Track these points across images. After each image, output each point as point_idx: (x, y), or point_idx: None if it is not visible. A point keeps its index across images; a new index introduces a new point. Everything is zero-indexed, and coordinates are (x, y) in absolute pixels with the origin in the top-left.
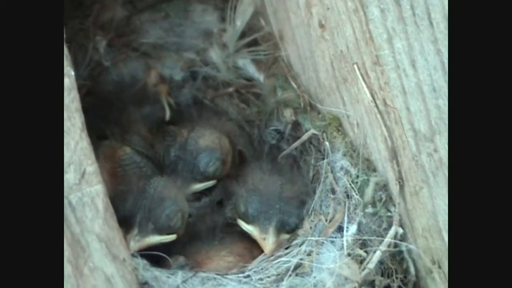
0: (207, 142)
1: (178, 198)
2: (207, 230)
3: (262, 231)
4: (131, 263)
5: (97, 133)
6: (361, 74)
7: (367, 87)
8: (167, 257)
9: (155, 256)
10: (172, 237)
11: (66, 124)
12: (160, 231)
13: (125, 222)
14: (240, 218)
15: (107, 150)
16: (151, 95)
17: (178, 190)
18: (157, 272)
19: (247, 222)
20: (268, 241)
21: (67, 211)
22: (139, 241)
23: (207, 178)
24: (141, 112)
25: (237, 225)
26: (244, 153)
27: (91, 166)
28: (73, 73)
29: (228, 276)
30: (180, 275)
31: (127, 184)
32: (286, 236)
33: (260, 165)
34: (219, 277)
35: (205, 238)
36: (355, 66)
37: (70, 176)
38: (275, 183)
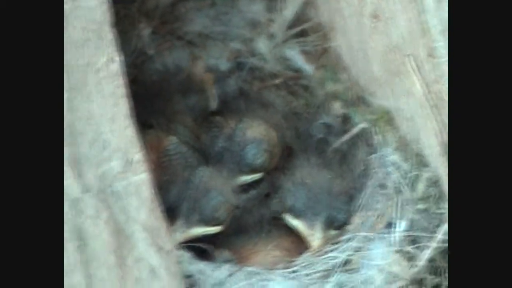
0: (255, 134)
1: (224, 189)
2: (253, 223)
3: (309, 227)
4: (176, 255)
5: (141, 122)
6: (415, 67)
7: (421, 80)
8: (212, 250)
9: (200, 249)
10: (217, 228)
11: (113, 110)
12: (205, 222)
13: (170, 213)
14: (287, 212)
15: (152, 139)
16: (197, 85)
17: (224, 181)
18: (202, 265)
19: (294, 217)
20: (315, 237)
21: (111, 199)
22: (184, 232)
23: (254, 170)
24: (186, 102)
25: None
26: (291, 146)
27: (137, 154)
28: (119, 58)
29: (274, 271)
30: (226, 269)
31: (172, 175)
32: (334, 232)
33: (308, 158)
34: (265, 272)
35: (251, 231)
36: (409, 58)
37: (115, 164)
38: (324, 178)
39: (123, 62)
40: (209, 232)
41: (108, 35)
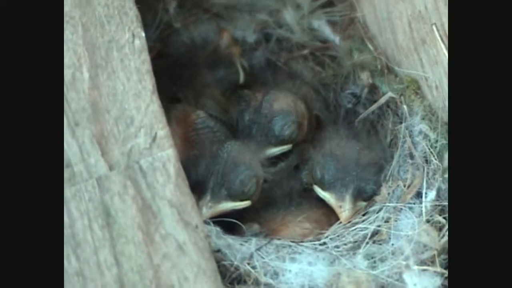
0: (282, 105)
1: (253, 163)
2: (283, 195)
3: (339, 199)
4: (203, 230)
5: (169, 96)
6: (440, 35)
7: (446, 48)
8: (240, 224)
9: (228, 223)
10: (246, 203)
11: (137, 87)
12: (233, 197)
13: (198, 188)
14: (316, 184)
15: (180, 113)
16: (224, 58)
17: (252, 155)
18: (230, 239)
19: (323, 189)
20: (344, 209)
21: (137, 176)
22: (211, 208)
23: (282, 142)
24: (214, 75)
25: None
26: (320, 117)
27: (162, 130)
28: (143, 34)
29: (304, 244)
30: (254, 243)
31: (200, 149)
32: (363, 203)
33: (337, 129)
34: (294, 244)
35: (281, 204)
36: (434, 27)
37: (140, 141)
38: (352, 149)
39: (146, 38)
40: (237, 207)
41: (131, 11)
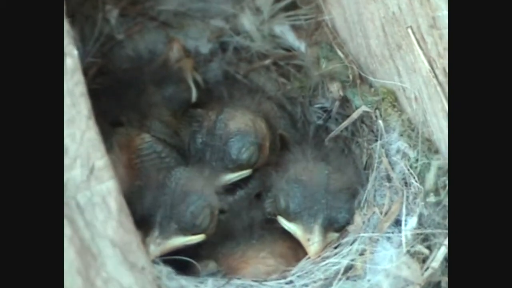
0: (238, 125)
1: (205, 191)
2: (243, 228)
3: (306, 230)
4: (152, 271)
5: (110, 119)
6: (417, 40)
7: (424, 54)
8: (194, 262)
9: (181, 262)
10: (199, 237)
11: (71, 112)
12: (184, 231)
13: (144, 223)
14: (281, 214)
15: (123, 138)
16: (174, 73)
17: (205, 182)
18: (183, 280)
19: (289, 220)
20: (313, 242)
21: (74, 213)
22: (160, 244)
23: (240, 167)
24: (162, 93)
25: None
26: (285, 137)
27: (100, 160)
28: (76, 52)
29: (267, 283)
30: (210, 283)
31: (145, 178)
32: (335, 235)
33: (304, 151)
34: (256, 284)
35: (240, 237)
36: (409, 30)
37: (76, 173)
38: (321, 173)
39: (84, 53)
40: (190, 242)
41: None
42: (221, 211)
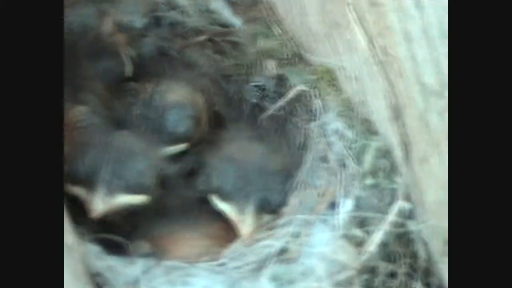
0: (176, 97)
1: (151, 154)
2: (176, 206)
3: (239, 211)
4: (79, 250)
5: None
6: (357, 18)
7: (364, 33)
8: (124, 241)
9: (113, 243)
10: (142, 198)
11: None
12: (130, 190)
13: (87, 180)
14: (214, 194)
15: None
16: (108, 47)
17: (148, 147)
18: (112, 260)
19: (221, 200)
20: (245, 223)
21: None
22: (106, 203)
23: (177, 140)
24: (96, 67)
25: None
26: (221, 114)
27: None
28: None
29: (199, 264)
30: (140, 264)
31: (87, 137)
32: (268, 216)
33: (239, 129)
34: (187, 265)
35: (173, 216)
36: (348, 8)
37: None
38: (256, 152)
39: None
40: (134, 202)
41: None
42: (163, 180)
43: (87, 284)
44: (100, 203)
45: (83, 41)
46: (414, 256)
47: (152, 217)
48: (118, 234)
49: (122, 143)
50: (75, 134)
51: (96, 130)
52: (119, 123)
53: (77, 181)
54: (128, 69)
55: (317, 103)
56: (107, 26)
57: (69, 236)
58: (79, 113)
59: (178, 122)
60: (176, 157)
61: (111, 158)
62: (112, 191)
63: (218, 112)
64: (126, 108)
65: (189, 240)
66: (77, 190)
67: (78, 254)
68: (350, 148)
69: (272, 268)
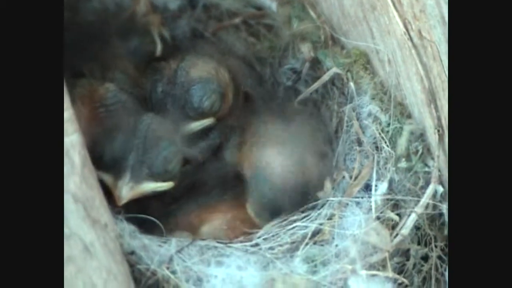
0: (200, 73)
1: (176, 138)
2: (209, 182)
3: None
4: (114, 229)
5: (72, 71)
6: (392, 1)
7: (399, 16)
8: (159, 223)
9: (148, 223)
10: (168, 185)
11: None
12: (155, 176)
13: (114, 166)
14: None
15: (84, 90)
16: (140, 27)
17: (173, 129)
18: (146, 239)
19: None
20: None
21: None
22: (132, 189)
23: (202, 115)
24: (127, 46)
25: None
26: (251, 95)
27: (65, 112)
28: None
29: (232, 245)
30: (174, 243)
31: (115, 121)
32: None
33: (270, 110)
34: (221, 245)
35: (205, 194)
36: None
37: None
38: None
39: None
40: (159, 189)
41: None
42: (187, 162)
43: (121, 261)
44: (126, 191)
45: (116, 20)
46: (446, 239)
47: (185, 195)
48: (151, 213)
49: (147, 128)
50: (102, 113)
51: (122, 109)
52: (146, 101)
53: (104, 167)
54: (158, 49)
55: (350, 86)
56: (142, 6)
57: (105, 215)
58: (106, 90)
59: (203, 97)
60: (203, 134)
61: (138, 145)
62: (137, 178)
63: (248, 92)
64: (152, 84)
65: (220, 213)
66: (104, 176)
67: (113, 232)
68: (383, 131)
69: (306, 250)
